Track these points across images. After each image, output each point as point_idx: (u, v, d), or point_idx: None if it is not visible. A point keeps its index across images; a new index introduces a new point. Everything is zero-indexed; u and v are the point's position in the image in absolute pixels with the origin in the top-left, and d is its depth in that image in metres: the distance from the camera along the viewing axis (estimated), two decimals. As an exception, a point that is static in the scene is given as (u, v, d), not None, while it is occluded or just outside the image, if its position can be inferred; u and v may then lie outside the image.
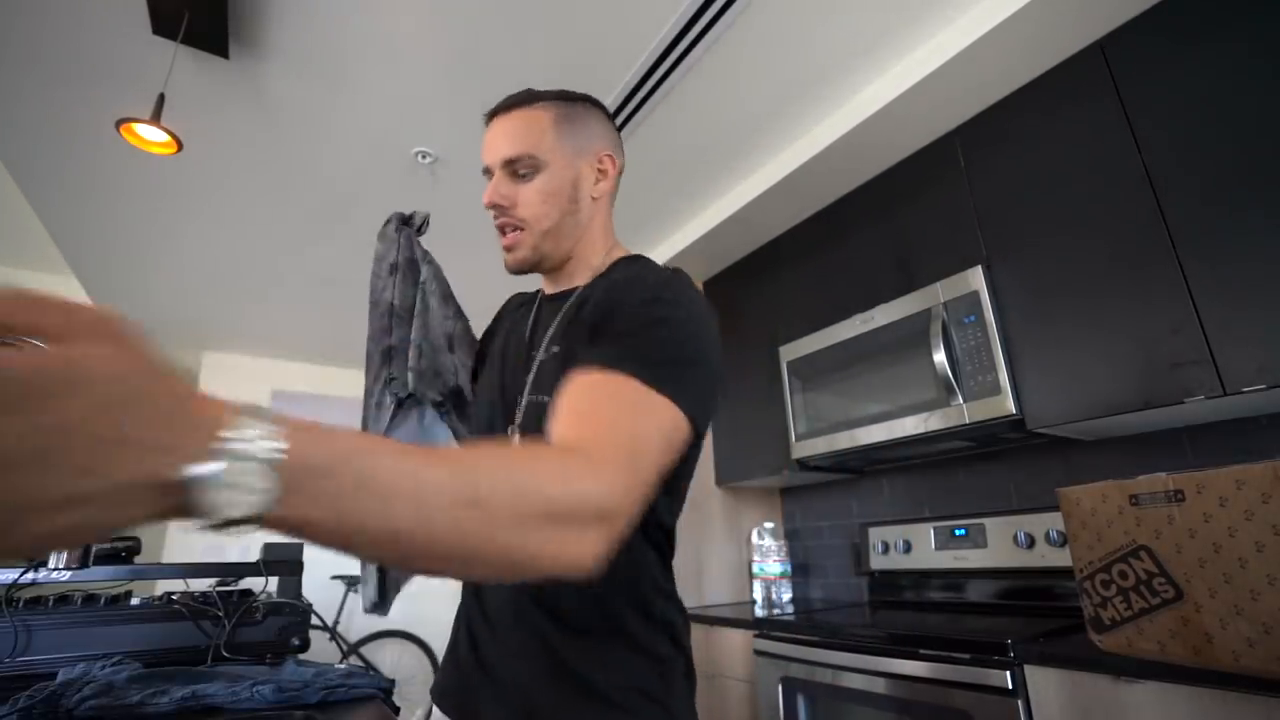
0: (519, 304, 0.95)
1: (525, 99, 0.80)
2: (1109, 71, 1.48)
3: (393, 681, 0.92)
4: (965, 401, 1.61)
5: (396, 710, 0.84)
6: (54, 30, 1.59)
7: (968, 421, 1.59)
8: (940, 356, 1.64)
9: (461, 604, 0.81)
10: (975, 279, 1.64)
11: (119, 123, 1.58)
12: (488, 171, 0.80)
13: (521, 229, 0.78)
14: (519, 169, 0.77)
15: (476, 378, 0.96)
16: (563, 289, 0.84)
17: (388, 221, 1.03)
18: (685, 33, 1.63)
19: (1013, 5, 1.47)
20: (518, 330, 0.86)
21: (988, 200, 1.71)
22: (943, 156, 1.85)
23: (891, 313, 1.83)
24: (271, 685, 0.78)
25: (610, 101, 1.88)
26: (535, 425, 0.72)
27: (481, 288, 3.16)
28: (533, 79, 1.80)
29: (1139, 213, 1.39)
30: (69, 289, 3.36)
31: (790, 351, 2.16)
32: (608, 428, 0.53)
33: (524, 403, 0.75)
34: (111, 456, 0.26)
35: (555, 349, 0.74)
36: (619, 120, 1.95)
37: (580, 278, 0.82)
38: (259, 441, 0.30)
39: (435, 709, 0.77)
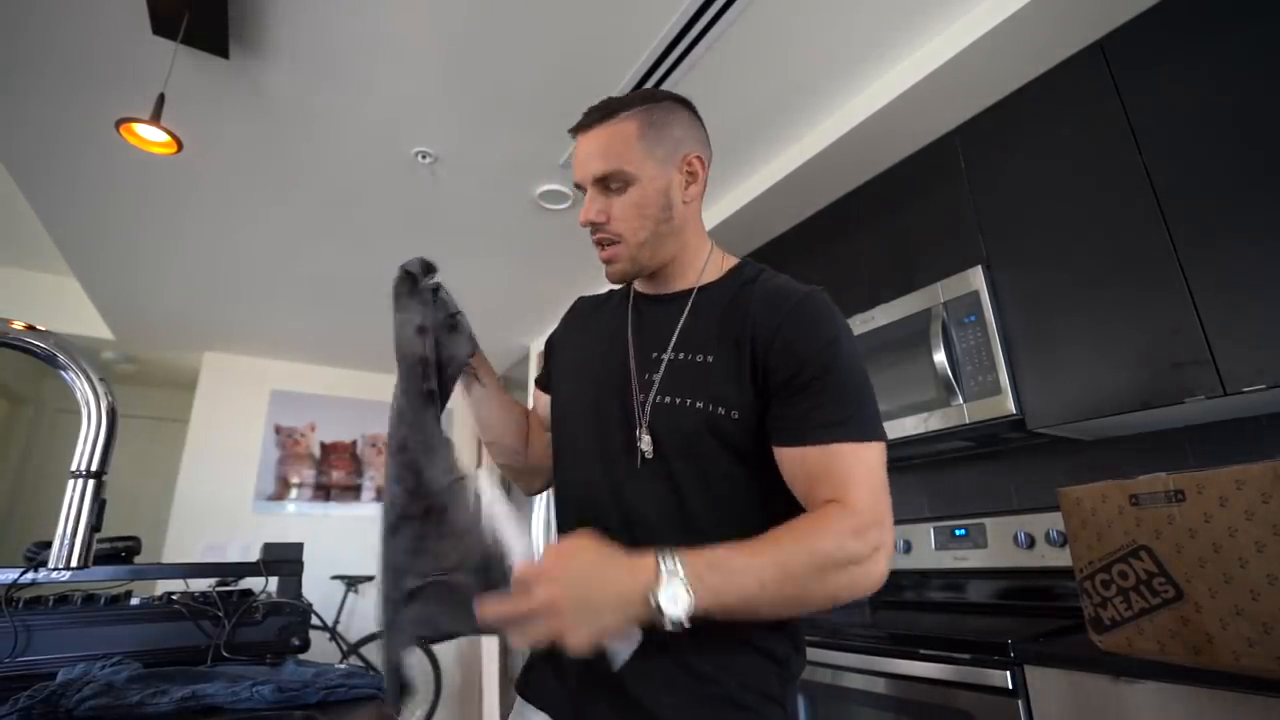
0: (594, 307, 0.96)
1: (608, 111, 0.79)
2: (1109, 71, 1.48)
3: (393, 681, 0.91)
4: (965, 401, 1.61)
5: (397, 710, 0.84)
6: (54, 30, 1.59)
7: (968, 421, 1.59)
8: (940, 356, 1.64)
9: None
10: (975, 279, 1.64)
11: (119, 123, 1.58)
12: (580, 187, 0.82)
13: (618, 243, 0.79)
14: (611, 185, 0.78)
15: (547, 388, 0.96)
16: (667, 291, 0.85)
17: (399, 288, 0.91)
18: (685, 32, 1.63)
19: (1013, 5, 1.47)
20: (611, 332, 0.86)
21: (988, 200, 1.71)
22: (943, 156, 1.85)
23: (891, 313, 1.83)
24: (271, 685, 0.78)
25: (610, 101, 1.88)
26: (668, 425, 0.73)
27: (481, 288, 3.16)
28: (533, 79, 1.81)
29: (1139, 213, 1.39)
30: (69, 289, 3.36)
31: (790, 351, 2.16)
32: (863, 487, 0.66)
33: (650, 403, 0.75)
34: (609, 611, 0.55)
35: (706, 356, 0.75)
36: (619, 120, 1.95)
37: (685, 279, 0.84)
38: (680, 599, 0.55)
39: (525, 705, 0.77)
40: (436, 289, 0.88)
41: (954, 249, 1.76)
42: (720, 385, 0.73)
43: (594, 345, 0.87)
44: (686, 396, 0.73)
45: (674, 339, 0.78)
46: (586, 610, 0.54)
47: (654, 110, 0.80)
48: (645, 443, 0.74)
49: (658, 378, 0.76)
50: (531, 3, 1.55)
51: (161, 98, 1.60)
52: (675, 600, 0.55)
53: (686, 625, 0.55)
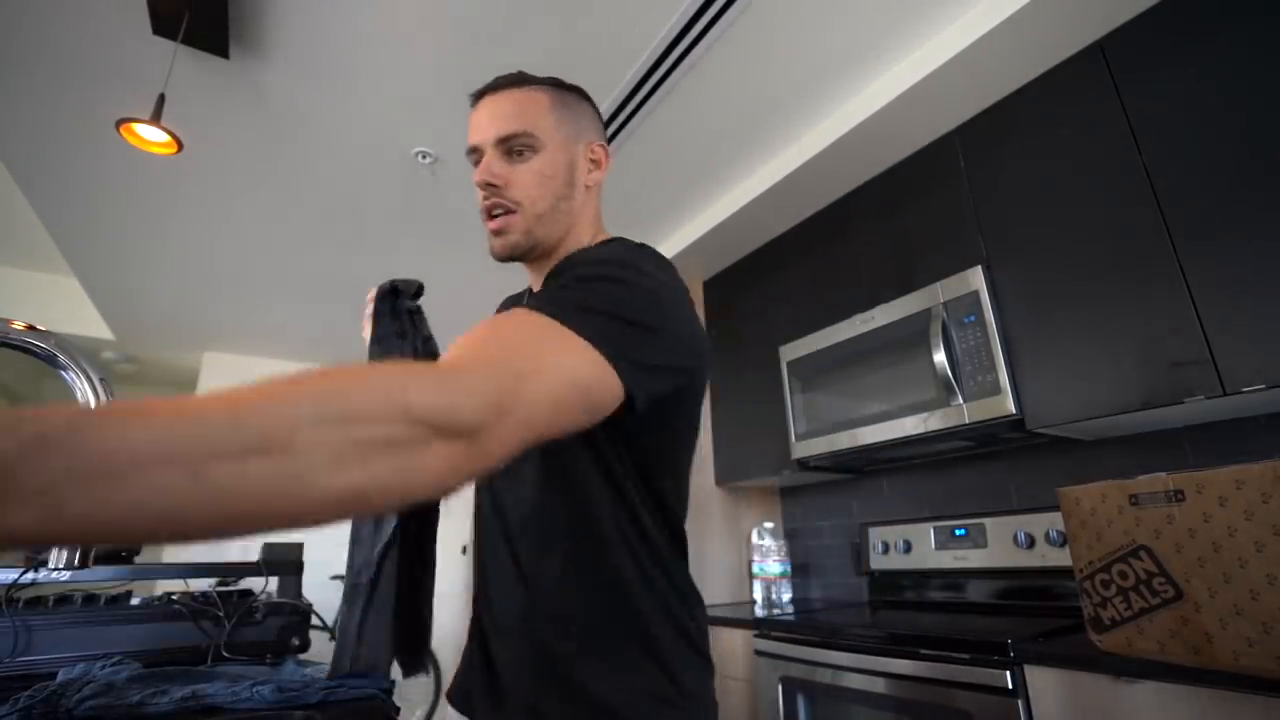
0: (513, 301, 0.93)
1: (519, 80, 0.76)
2: (1109, 71, 1.48)
3: (393, 682, 0.92)
4: (965, 401, 1.61)
5: (397, 710, 0.84)
6: (54, 30, 1.59)
7: (968, 421, 1.59)
8: (940, 356, 1.64)
9: (474, 603, 0.80)
10: (975, 279, 1.64)
11: (119, 123, 1.58)
12: (475, 151, 0.75)
13: (514, 212, 0.74)
14: (515, 146, 0.73)
15: None
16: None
17: (380, 305, 0.81)
18: (686, 32, 1.63)
19: (1013, 5, 1.47)
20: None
21: (988, 200, 1.71)
22: (943, 156, 1.85)
23: (891, 313, 1.83)
24: (271, 685, 0.78)
25: (611, 101, 1.88)
26: None
27: (480, 288, 3.16)
28: (533, 79, 1.81)
29: (1139, 213, 1.39)
30: (69, 289, 3.36)
31: (790, 351, 2.16)
32: (497, 346, 0.49)
33: None
34: None
35: None
36: (619, 120, 1.95)
37: None
38: None
39: (451, 710, 0.76)
40: (417, 311, 0.82)
41: (954, 249, 1.76)
42: None
43: None
44: None
45: None
46: None
47: (564, 92, 0.78)
48: None
49: None
50: (532, 3, 1.55)
51: (162, 98, 1.60)
52: None
53: None
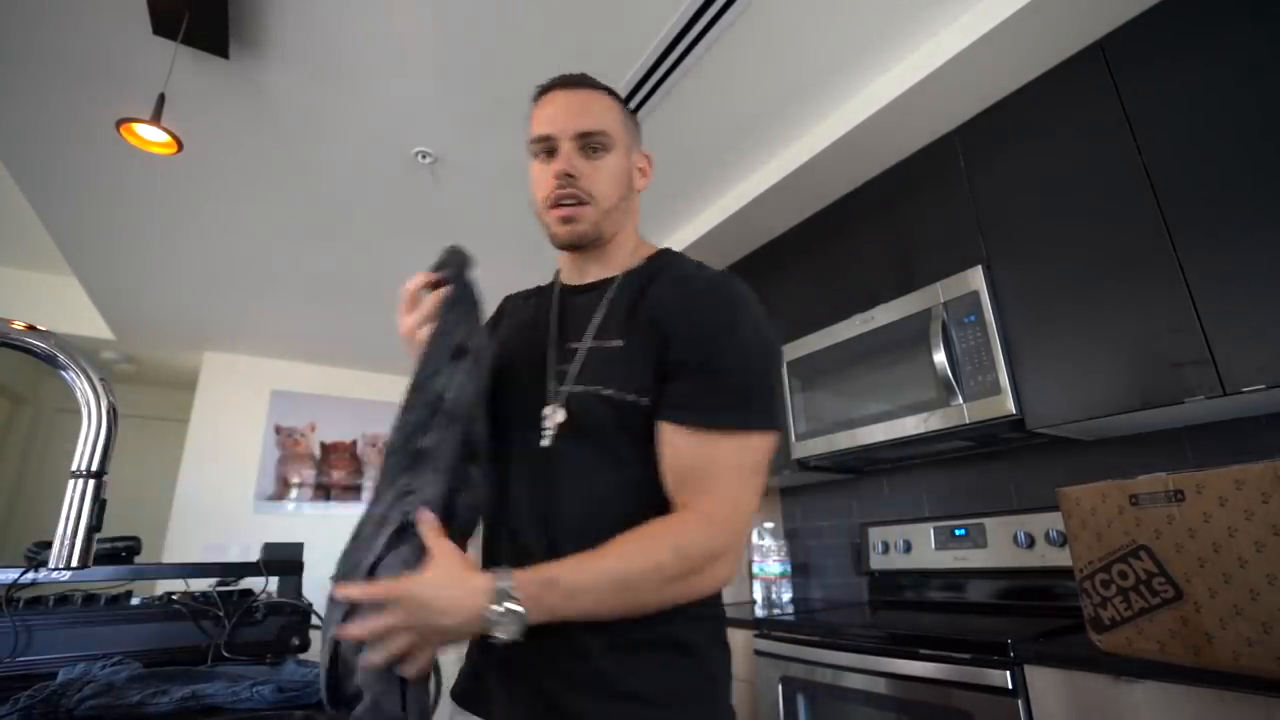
0: (524, 299, 0.94)
1: (593, 82, 0.81)
2: (1109, 71, 1.48)
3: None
4: (965, 401, 1.61)
5: (396, 710, 0.83)
6: (54, 30, 1.59)
7: (968, 421, 1.59)
8: (940, 356, 1.64)
9: None
10: (975, 279, 1.64)
11: (119, 123, 1.58)
12: (546, 140, 0.79)
13: (586, 203, 0.78)
14: (592, 144, 0.78)
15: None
16: (593, 280, 0.84)
17: (458, 269, 0.82)
18: (686, 32, 1.63)
19: (1013, 5, 1.47)
20: (536, 322, 0.85)
21: (988, 200, 1.71)
22: (943, 156, 1.85)
23: (891, 313, 1.83)
24: (271, 685, 0.78)
25: (610, 101, 1.88)
26: (588, 415, 0.72)
27: (481, 288, 3.16)
28: (533, 78, 1.80)
29: (1139, 213, 1.39)
30: (69, 289, 3.36)
31: (790, 351, 2.16)
32: (717, 491, 0.68)
33: (567, 391, 0.74)
34: (447, 617, 0.60)
35: (616, 342, 0.74)
36: (619, 120, 1.95)
37: (612, 267, 0.84)
38: (502, 604, 0.60)
39: (459, 712, 0.76)
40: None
41: (954, 249, 1.76)
42: (628, 370, 0.72)
43: (516, 339, 0.86)
44: (598, 384, 0.73)
45: (591, 328, 0.78)
46: (427, 630, 0.60)
47: (623, 102, 0.84)
48: (550, 426, 0.74)
49: (574, 368, 0.76)
50: (532, 3, 1.55)
51: (162, 98, 1.60)
52: (506, 622, 0.60)
53: (521, 640, 0.61)
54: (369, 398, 4.45)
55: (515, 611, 0.60)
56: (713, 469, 0.68)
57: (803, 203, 2.24)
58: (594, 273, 0.85)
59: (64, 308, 3.48)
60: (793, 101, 1.90)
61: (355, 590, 0.60)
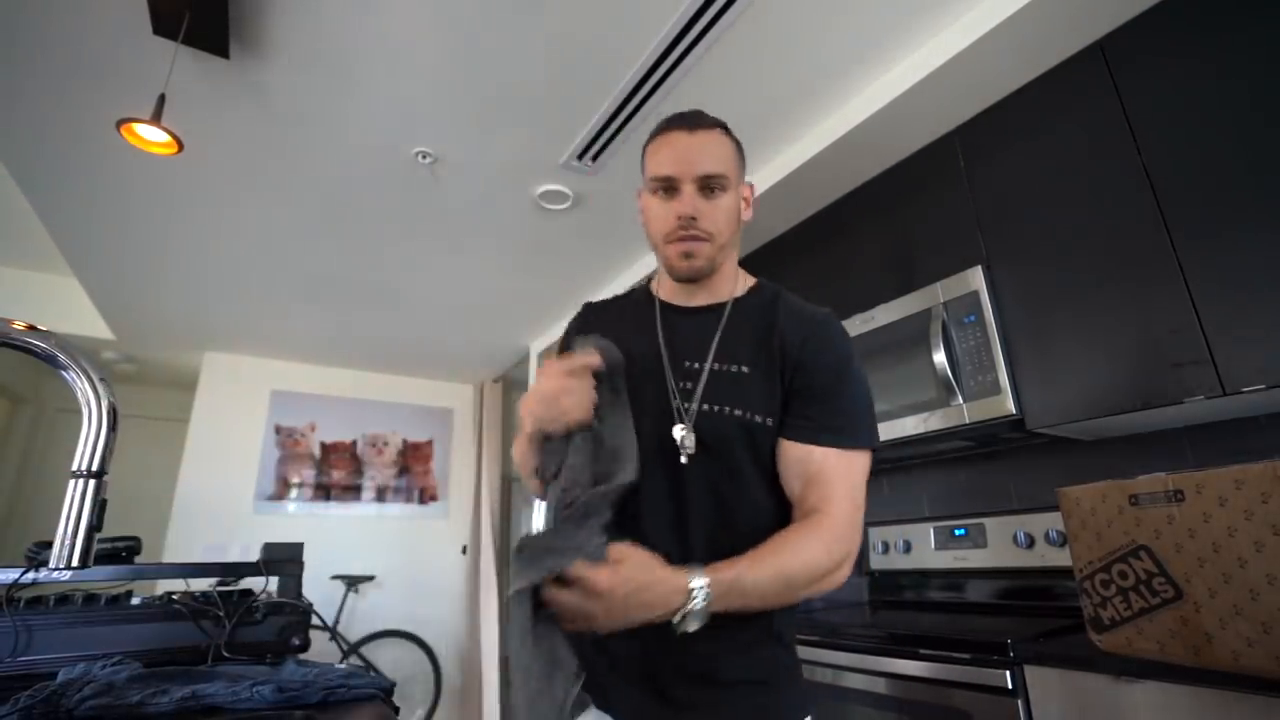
0: (606, 312, 0.99)
1: (712, 122, 0.87)
2: (1109, 71, 1.48)
3: (393, 682, 0.92)
4: (965, 401, 1.61)
5: (396, 710, 0.84)
6: (54, 30, 1.59)
7: (968, 421, 1.59)
8: (940, 356, 1.64)
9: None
10: (975, 279, 1.64)
11: (119, 123, 1.58)
12: (667, 180, 0.85)
13: (705, 240, 0.85)
14: (712, 185, 0.84)
15: None
16: (702, 303, 0.92)
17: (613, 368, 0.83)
18: (685, 33, 1.63)
19: (1013, 5, 1.47)
20: (639, 338, 0.89)
21: (988, 200, 1.71)
22: (943, 156, 1.85)
23: (891, 313, 1.83)
24: (272, 685, 0.78)
25: (610, 102, 1.88)
26: (711, 431, 0.81)
27: (481, 288, 3.16)
28: (533, 79, 1.81)
29: (1139, 212, 1.39)
30: (69, 289, 3.36)
31: (790, 351, 2.16)
32: (846, 499, 0.78)
33: (696, 409, 0.82)
34: (650, 611, 0.66)
35: (743, 367, 0.84)
36: (620, 120, 1.95)
37: (716, 293, 0.92)
38: (702, 601, 0.67)
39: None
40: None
41: (954, 249, 1.76)
42: (757, 395, 0.82)
43: (630, 355, 0.86)
44: (727, 405, 0.81)
45: (713, 349, 0.85)
46: (623, 618, 0.66)
47: (734, 137, 0.89)
48: (689, 444, 0.80)
49: (699, 386, 0.83)
50: (531, 3, 1.55)
51: (162, 98, 1.60)
52: (694, 619, 0.67)
53: (702, 611, 0.68)
54: (369, 398, 4.46)
55: (705, 609, 0.67)
56: (836, 480, 0.78)
57: (803, 203, 2.24)
58: (701, 297, 0.92)
59: (64, 308, 3.48)
60: (793, 101, 1.90)
61: (578, 571, 0.64)
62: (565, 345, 1.00)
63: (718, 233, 0.85)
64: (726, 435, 0.81)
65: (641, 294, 0.98)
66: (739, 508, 0.81)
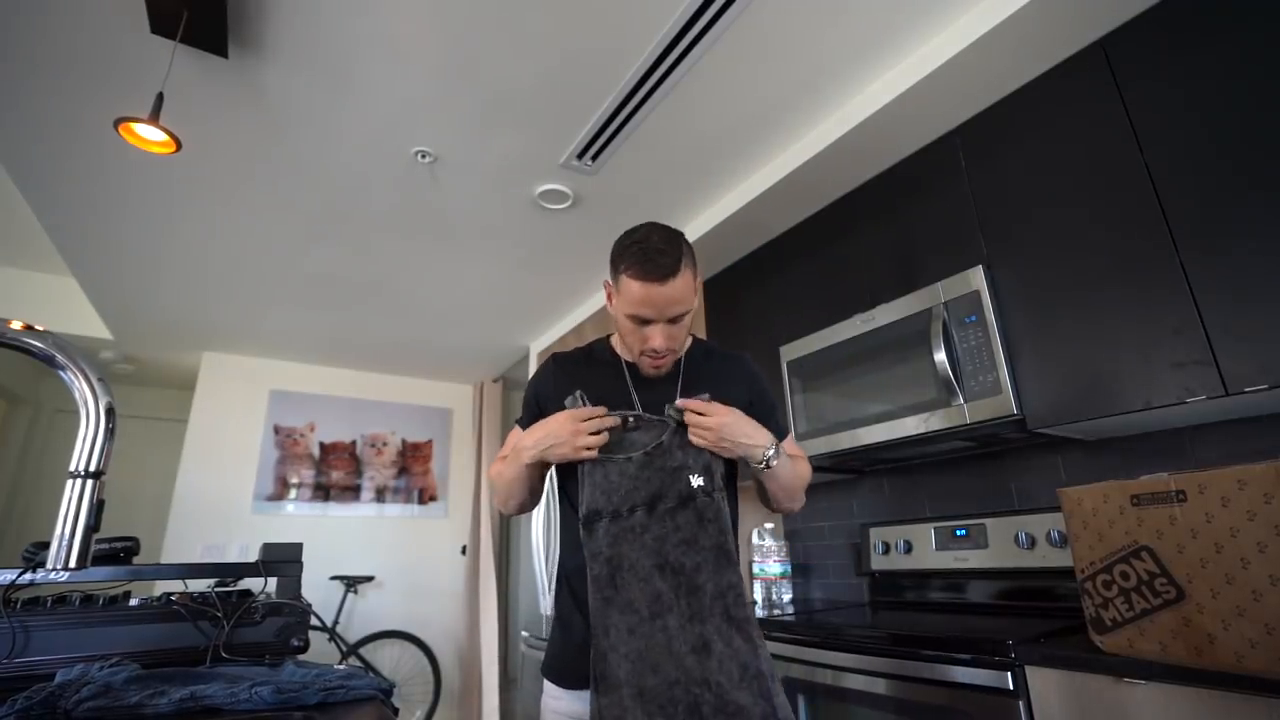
0: (575, 364, 1.20)
1: (681, 262, 1.03)
2: (1110, 71, 1.48)
3: (393, 683, 0.91)
4: (966, 401, 1.60)
5: (396, 711, 0.83)
6: (52, 29, 1.58)
7: (968, 421, 1.59)
8: (941, 356, 1.64)
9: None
10: (976, 279, 1.64)
11: (118, 122, 1.58)
12: (643, 319, 1.05)
13: (673, 354, 1.11)
14: (678, 318, 1.06)
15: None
16: None
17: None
18: (685, 33, 1.63)
19: (1013, 5, 1.47)
20: (609, 388, 1.12)
21: (988, 200, 1.71)
22: (943, 156, 1.85)
23: (892, 312, 1.83)
24: (270, 686, 0.78)
25: (609, 103, 1.88)
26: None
27: (481, 288, 3.16)
28: (533, 78, 1.81)
29: (1140, 212, 1.39)
30: (68, 289, 3.36)
31: (790, 351, 2.16)
32: (803, 458, 1.23)
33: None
34: (751, 440, 1.07)
35: (705, 395, 1.08)
36: (620, 119, 1.95)
37: None
38: (777, 451, 1.08)
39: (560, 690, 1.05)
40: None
41: (954, 249, 1.76)
42: None
43: (594, 396, 1.08)
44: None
45: (677, 392, 1.11)
46: (733, 437, 1.02)
47: (693, 258, 1.07)
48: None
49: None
50: (531, 3, 1.55)
51: (160, 97, 1.60)
52: (772, 458, 1.06)
53: (778, 463, 1.07)
54: (368, 398, 4.45)
55: (777, 456, 1.07)
56: (795, 450, 1.22)
57: (803, 203, 2.24)
58: None
59: (62, 308, 3.48)
60: (793, 101, 1.90)
61: (696, 404, 1.03)
62: (538, 391, 1.18)
63: (680, 345, 1.11)
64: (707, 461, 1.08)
65: (605, 353, 1.20)
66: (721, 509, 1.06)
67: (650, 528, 1.00)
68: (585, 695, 0.98)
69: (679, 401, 1.05)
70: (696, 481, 1.02)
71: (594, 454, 1.02)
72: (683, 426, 1.04)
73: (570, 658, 1.03)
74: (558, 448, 1.02)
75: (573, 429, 1.02)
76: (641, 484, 1.01)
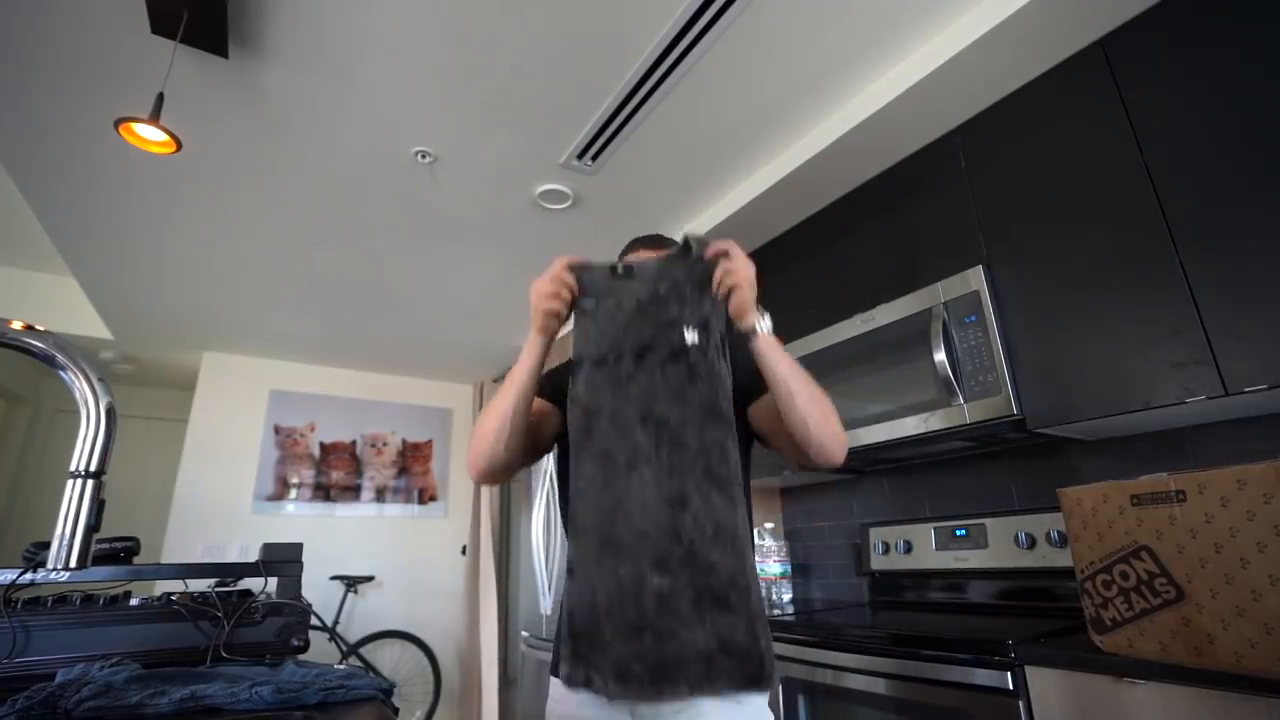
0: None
1: (669, 241, 1.15)
2: (1110, 71, 1.48)
3: (393, 683, 0.91)
4: (966, 401, 1.60)
5: (396, 711, 0.84)
6: (53, 30, 1.58)
7: (968, 421, 1.59)
8: (941, 356, 1.64)
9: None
10: (976, 279, 1.64)
11: (118, 122, 1.58)
12: None
13: None
14: None
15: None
16: None
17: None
18: (685, 32, 1.63)
19: (1013, 5, 1.47)
20: None
21: (988, 200, 1.71)
22: (943, 156, 1.85)
23: (892, 312, 1.83)
24: (271, 686, 0.78)
25: (610, 102, 1.88)
26: None
27: (481, 288, 3.16)
28: (533, 78, 1.81)
29: (1140, 212, 1.39)
30: (68, 289, 3.36)
31: (791, 351, 2.14)
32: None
33: None
34: (752, 289, 1.00)
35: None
36: (620, 119, 1.95)
37: None
38: (768, 323, 0.99)
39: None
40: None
41: (954, 249, 1.76)
42: None
43: None
44: None
45: None
46: (747, 278, 0.97)
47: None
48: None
49: None
50: (531, 3, 1.55)
51: (160, 97, 1.60)
52: (762, 325, 0.98)
53: (766, 335, 0.98)
54: (368, 398, 4.45)
55: (768, 330, 0.99)
56: None
57: (803, 202, 2.24)
58: None
59: (63, 308, 3.48)
60: (793, 100, 1.90)
61: (722, 244, 0.99)
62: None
63: None
64: None
65: None
66: None
67: (637, 377, 0.94)
68: (590, 696, 0.97)
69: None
70: (691, 336, 0.95)
71: (565, 282, 0.99)
72: (690, 256, 0.98)
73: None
74: (538, 302, 0.99)
75: (545, 276, 1.00)
76: (632, 333, 0.96)
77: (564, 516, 1.05)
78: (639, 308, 0.97)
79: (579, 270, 1.02)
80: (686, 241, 1.00)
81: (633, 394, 0.93)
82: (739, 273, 0.95)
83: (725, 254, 0.96)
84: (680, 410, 0.92)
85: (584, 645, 0.86)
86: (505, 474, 1.04)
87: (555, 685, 1.03)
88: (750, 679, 0.83)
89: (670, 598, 0.85)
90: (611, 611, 0.86)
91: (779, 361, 0.96)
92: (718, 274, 0.96)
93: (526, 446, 1.05)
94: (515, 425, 1.00)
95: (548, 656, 1.10)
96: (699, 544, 0.86)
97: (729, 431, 0.92)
